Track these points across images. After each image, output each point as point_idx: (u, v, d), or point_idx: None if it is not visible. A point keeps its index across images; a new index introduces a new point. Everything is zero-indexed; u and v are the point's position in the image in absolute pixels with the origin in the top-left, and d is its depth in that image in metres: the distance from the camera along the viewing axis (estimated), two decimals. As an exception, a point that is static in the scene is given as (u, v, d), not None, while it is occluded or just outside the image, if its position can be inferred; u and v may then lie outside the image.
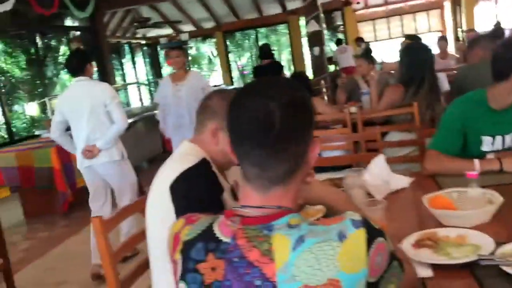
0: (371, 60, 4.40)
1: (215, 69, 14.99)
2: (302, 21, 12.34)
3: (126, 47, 13.44)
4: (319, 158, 1.91)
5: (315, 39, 8.53)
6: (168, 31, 12.75)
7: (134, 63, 13.50)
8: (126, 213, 1.63)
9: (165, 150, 7.86)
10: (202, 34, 13.61)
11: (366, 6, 13.80)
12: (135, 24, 10.31)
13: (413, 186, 1.93)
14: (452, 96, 3.04)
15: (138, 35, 12.73)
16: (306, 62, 12.31)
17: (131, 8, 11.33)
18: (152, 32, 12.23)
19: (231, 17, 12.85)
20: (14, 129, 8.71)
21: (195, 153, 1.51)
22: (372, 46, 10.91)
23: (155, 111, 7.62)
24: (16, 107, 10.06)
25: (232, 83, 13.18)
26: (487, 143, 1.99)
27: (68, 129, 3.46)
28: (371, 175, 1.77)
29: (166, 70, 15.32)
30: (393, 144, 3.06)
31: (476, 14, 11.10)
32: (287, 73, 7.90)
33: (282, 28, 14.40)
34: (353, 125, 3.39)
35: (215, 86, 9.18)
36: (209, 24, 13.09)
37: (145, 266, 1.61)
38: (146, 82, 13.72)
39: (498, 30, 7.22)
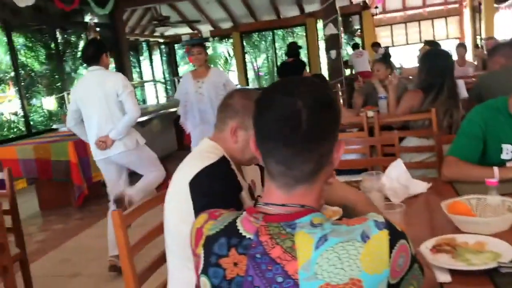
0: (390, 65, 4.39)
1: (231, 69, 15.01)
2: (319, 24, 12.32)
3: (144, 45, 13.55)
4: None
5: (332, 42, 8.48)
6: (185, 30, 12.81)
7: (151, 61, 13.59)
8: (145, 207, 1.65)
9: (179, 148, 7.92)
10: (219, 34, 13.66)
11: (384, 11, 13.75)
12: (154, 22, 10.38)
13: (431, 191, 1.93)
14: (471, 104, 3.02)
15: (156, 34, 12.82)
16: (322, 65, 12.28)
17: (150, 6, 11.43)
18: (170, 31, 12.31)
19: (249, 18, 12.88)
20: (31, 123, 8.82)
21: (215, 151, 1.53)
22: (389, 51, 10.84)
23: (171, 109, 7.69)
24: (34, 101, 10.19)
25: (247, 84, 13.20)
26: (507, 151, 1.97)
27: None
28: (389, 179, 1.77)
29: (183, 68, 15.41)
30: (410, 150, 3.05)
31: (496, 22, 10.98)
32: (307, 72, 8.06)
33: (299, 31, 14.39)
34: (369, 129, 3.39)
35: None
36: (226, 25, 13.14)
37: (161, 260, 1.63)
38: (163, 80, 13.81)
39: (518, 38, 7.13)
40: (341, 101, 6.59)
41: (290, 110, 0.88)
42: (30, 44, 10.37)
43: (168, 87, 14.01)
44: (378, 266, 0.81)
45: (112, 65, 11.21)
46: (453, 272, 1.20)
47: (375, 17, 13.09)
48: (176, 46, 14.47)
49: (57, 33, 9.86)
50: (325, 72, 11.78)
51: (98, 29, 10.00)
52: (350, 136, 3.48)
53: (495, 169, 1.83)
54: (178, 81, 12.33)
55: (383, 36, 13.97)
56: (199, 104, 4.38)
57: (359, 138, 3.06)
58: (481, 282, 1.16)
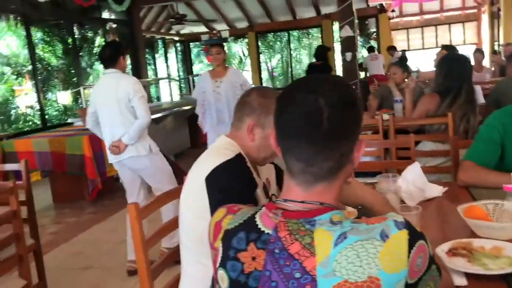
0: (406, 69, 4.37)
1: (245, 69, 15.03)
2: (335, 25, 12.29)
3: (160, 43, 13.63)
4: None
5: (348, 45, 8.45)
6: (201, 29, 12.85)
7: (166, 58, 13.67)
8: (161, 202, 1.66)
9: (192, 145, 7.96)
10: (234, 34, 13.67)
11: (401, 15, 13.67)
12: (170, 20, 10.43)
13: (446, 195, 1.92)
14: (489, 109, 3.00)
15: (172, 31, 12.88)
16: (337, 67, 12.25)
17: (167, 4, 11.49)
18: (186, 29, 12.36)
19: (265, 18, 12.88)
20: (46, 116, 8.92)
21: (231, 148, 1.54)
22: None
23: (184, 107, 7.73)
24: (49, 95, 10.31)
25: (261, 84, 13.20)
26: (526, 158, 1.96)
27: None
28: (405, 182, 1.76)
29: (197, 67, 15.47)
30: (425, 154, 3.03)
31: (514, 28, 10.84)
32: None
33: (314, 32, 14.37)
34: (384, 132, 3.38)
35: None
36: (242, 24, 13.15)
37: (176, 254, 1.64)
38: (177, 78, 13.87)
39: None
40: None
41: (312, 107, 0.88)
42: (48, 39, 10.49)
43: (182, 85, 14.06)
44: (397, 265, 0.81)
45: (127, 61, 11.28)
46: (469, 276, 1.19)
47: (391, 20, 13.02)
48: (191, 44, 14.53)
49: (75, 28, 9.95)
50: (339, 74, 11.76)
51: (114, 25, 10.07)
52: (365, 138, 3.47)
53: (513, 175, 1.82)
54: (193, 79, 12.42)
55: (399, 40, 13.89)
56: (216, 104, 4.41)
57: (374, 141, 3.05)
58: (498, 287, 1.15)
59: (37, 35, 9.87)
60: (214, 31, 11.30)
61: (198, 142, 7.92)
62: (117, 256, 3.70)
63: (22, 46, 9.75)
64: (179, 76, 14.15)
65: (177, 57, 14.32)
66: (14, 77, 10.04)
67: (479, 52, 7.39)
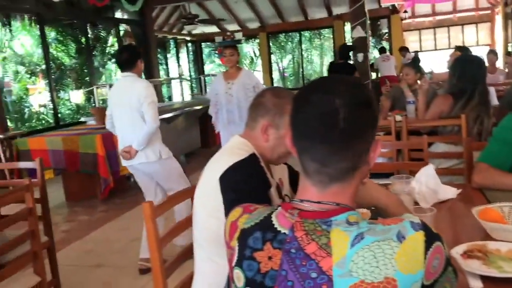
0: (419, 70, 4.35)
1: (256, 69, 15.04)
2: (347, 26, 12.25)
3: (172, 43, 13.69)
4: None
5: (360, 45, 8.44)
6: (213, 29, 12.89)
7: (178, 58, 13.72)
8: (175, 201, 1.68)
9: (203, 145, 7.98)
10: (246, 34, 13.65)
11: (413, 16, 13.59)
12: (182, 20, 10.48)
13: (460, 197, 1.91)
14: (503, 111, 2.97)
15: (184, 32, 12.93)
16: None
17: (179, 4, 11.53)
18: (198, 30, 12.41)
19: (276, 18, 12.88)
20: (59, 115, 9.00)
21: (245, 148, 1.54)
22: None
23: (195, 107, 7.76)
24: (62, 94, 10.40)
25: (272, 85, 13.19)
26: (541, 160, 1.94)
27: None
28: (418, 183, 1.76)
29: (208, 67, 15.52)
30: (438, 155, 3.02)
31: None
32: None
33: (326, 33, 14.33)
34: (396, 133, 3.37)
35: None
36: (253, 25, 13.16)
37: (189, 252, 1.66)
38: (189, 78, 13.92)
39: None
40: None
41: (327, 108, 0.89)
42: (61, 38, 10.59)
43: (193, 85, 14.11)
44: (413, 266, 0.81)
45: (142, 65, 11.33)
46: (484, 279, 1.18)
47: (403, 21, 12.95)
48: (203, 44, 14.58)
49: (88, 28, 10.03)
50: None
51: (126, 25, 10.12)
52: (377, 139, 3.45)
53: (528, 178, 1.80)
54: (204, 79, 12.46)
55: (411, 41, 13.80)
56: (227, 105, 4.46)
57: (386, 142, 3.03)
58: (514, 290, 1.14)
59: (51, 34, 9.97)
60: (228, 33, 11.33)
61: (209, 142, 7.95)
62: (129, 254, 3.73)
63: (36, 46, 9.85)
64: (190, 76, 14.20)
65: (188, 57, 14.37)
66: (28, 76, 10.15)
67: (492, 53, 7.33)
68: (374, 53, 12.84)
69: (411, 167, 2.77)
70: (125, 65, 3.32)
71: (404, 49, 10.77)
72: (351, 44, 8.04)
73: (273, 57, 14.33)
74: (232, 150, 1.55)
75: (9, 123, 7.38)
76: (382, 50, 11.50)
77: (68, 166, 5.21)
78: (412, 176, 1.87)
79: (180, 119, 7.20)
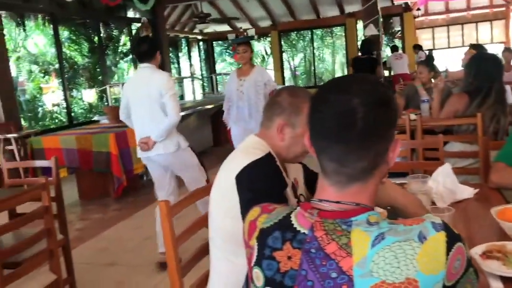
0: (433, 68, 4.32)
1: (268, 68, 15.04)
2: (359, 24, 12.19)
3: (183, 42, 13.73)
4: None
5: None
6: (224, 28, 12.90)
7: (189, 57, 13.75)
8: (191, 199, 1.68)
9: (215, 144, 8.00)
10: (257, 33, 13.61)
11: (426, 13, 13.48)
12: (194, 19, 10.51)
13: (477, 197, 1.89)
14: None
15: (195, 30, 12.96)
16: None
17: (191, 3, 11.56)
18: (209, 28, 12.44)
19: (288, 17, 12.86)
20: (72, 114, 9.07)
21: (261, 147, 1.54)
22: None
23: (207, 106, 7.78)
24: (75, 93, 10.48)
25: (283, 83, 13.19)
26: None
27: None
28: (435, 183, 1.74)
29: (220, 66, 15.53)
30: (453, 155, 2.99)
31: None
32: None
33: (338, 31, 14.27)
34: (410, 132, 3.34)
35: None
36: (265, 23, 13.16)
37: (205, 251, 1.66)
38: (200, 77, 13.95)
39: None
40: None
41: (345, 107, 0.88)
42: (74, 37, 10.67)
43: (205, 84, 14.14)
44: (435, 267, 0.81)
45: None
46: (504, 280, 1.17)
47: (416, 19, 12.85)
48: (214, 43, 14.60)
49: (101, 27, 10.10)
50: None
51: (144, 18, 10.10)
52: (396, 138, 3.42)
53: (547, 177, 1.78)
54: (216, 78, 12.49)
55: (424, 39, 13.70)
56: (238, 102, 4.48)
57: (402, 141, 3.01)
58: (535, 292, 1.13)
59: (64, 34, 10.05)
60: (241, 30, 11.31)
61: (221, 141, 7.96)
62: (142, 253, 3.75)
63: (49, 45, 9.93)
64: (202, 75, 14.23)
65: (200, 56, 14.40)
66: (42, 75, 10.25)
67: (508, 51, 7.22)
68: (386, 51, 12.76)
69: (426, 166, 2.74)
70: (144, 56, 3.29)
71: (417, 47, 10.69)
72: (371, 38, 8.06)
73: (284, 55, 14.31)
74: (247, 150, 1.55)
75: (22, 122, 7.47)
76: (394, 48, 11.43)
77: (82, 164, 5.25)
78: (427, 175, 1.85)
79: (192, 118, 7.22)
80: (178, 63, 13.51)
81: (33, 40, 10.15)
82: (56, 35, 8.15)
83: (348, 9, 12.21)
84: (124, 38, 11.29)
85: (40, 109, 10.24)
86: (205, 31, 12.41)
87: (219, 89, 12.25)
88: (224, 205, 1.49)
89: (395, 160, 0.95)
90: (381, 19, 8.82)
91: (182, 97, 12.68)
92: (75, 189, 5.63)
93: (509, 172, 1.90)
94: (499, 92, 3.00)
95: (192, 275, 1.64)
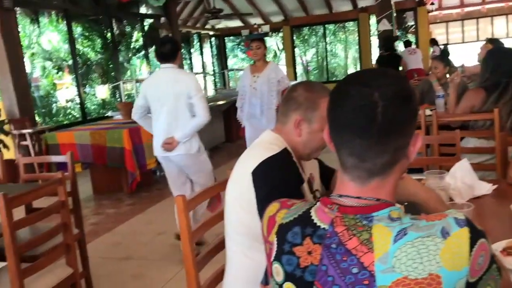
0: (448, 63, 4.27)
1: (280, 63, 15.01)
2: (372, 19, 12.10)
3: (195, 37, 13.75)
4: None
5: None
6: (236, 23, 12.89)
7: (201, 53, 13.78)
8: (207, 194, 1.68)
9: (227, 139, 8.01)
10: (269, 28, 13.67)
11: (440, 8, 13.34)
12: (206, 14, 10.51)
13: (495, 193, 1.86)
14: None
15: (207, 26, 12.97)
16: (374, 61, 12.07)
17: (203, -1, 11.58)
18: (221, 24, 12.43)
19: (300, 12, 12.81)
20: (85, 110, 9.14)
21: (277, 143, 1.54)
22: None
23: (219, 102, 7.78)
24: (88, 89, 10.55)
25: (295, 78, 13.15)
26: None
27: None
28: (453, 179, 1.72)
29: (232, 61, 15.53)
30: (470, 150, 2.95)
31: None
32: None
33: (351, 26, 14.18)
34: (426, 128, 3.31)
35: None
36: (277, 18, 13.12)
37: (220, 246, 1.66)
38: (212, 73, 13.97)
39: None
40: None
41: (366, 101, 0.86)
42: (87, 34, 10.73)
43: (217, 79, 14.16)
44: (458, 263, 0.80)
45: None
46: (525, 277, 1.15)
47: (430, 13, 12.71)
48: (226, 39, 14.59)
49: (113, 23, 10.15)
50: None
51: (163, 18, 10.11)
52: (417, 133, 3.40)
53: None
54: (228, 74, 12.49)
55: (438, 34, 13.57)
56: (251, 98, 4.46)
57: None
58: (557, 289, 1.11)
59: (77, 30, 10.11)
60: (255, 25, 11.30)
61: (232, 137, 7.97)
62: (156, 247, 3.77)
63: (63, 41, 10.00)
64: (214, 70, 14.25)
65: (212, 51, 14.41)
66: (55, 71, 10.33)
67: (524, 45, 7.13)
68: (399, 46, 12.64)
69: (441, 162, 2.72)
70: (167, 57, 3.29)
71: (433, 42, 10.58)
72: (391, 35, 8.14)
73: (296, 50, 14.26)
74: (264, 145, 1.55)
75: (37, 118, 7.53)
76: (407, 43, 11.31)
77: (96, 160, 5.29)
78: (444, 171, 1.84)
79: (205, 114, 7.21)
80: (190, 59, 13.53)
81: (47, 37, 10.23)
82: (69, 31, 8.21)
83: (361, 3, 12.13)
84: (136, 34, 11.33)
85: (54, 105, 10.34)
86: (217, 26, 12.43)
87: (231, 84, 12.25)
88: (240, 200, 1.49)
89: (415, 154, 0.94)
90: (395, 14, 8.75)
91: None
92: (89, 184, 5.68)
93: (528, 168, 1.88)
94: (517, 87, 2.95)
95: (207, 269, 1.65)
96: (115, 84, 9.76)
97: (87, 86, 10.52)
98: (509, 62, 2.96)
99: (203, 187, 3.34)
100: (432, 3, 12.11)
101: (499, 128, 2.90)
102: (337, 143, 0.92)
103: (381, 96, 0.86)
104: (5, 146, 6.12)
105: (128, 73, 11.30)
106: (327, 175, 1.78)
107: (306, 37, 15.12)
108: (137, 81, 8.32)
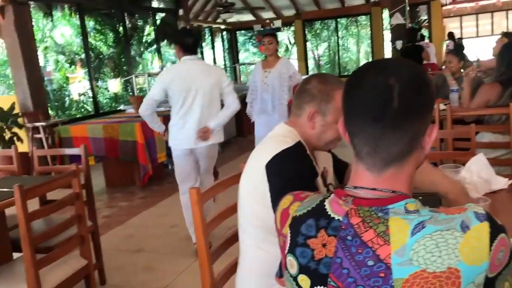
0: (462, 57, 4.22)
1: (292, 57, 14.96)
2: (385, 13, 12.00)
3: (207, 31, 13.74)
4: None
5: (398, 33, 8.27)
6: (248, 17, 12.86)
7: (213, 47, 13.77)
8: (220, 187, 1.68)
9: (238, 134, 8.01)
10: (281, 22, 13.61)
11: (454, 1, 13.17)
12: (217, 8, 10.49)
13: (511, 188, 1.84)
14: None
15: (219, 20, 12.95)
16: (386, 56, 11.98)
17: (215, -7, 11.54)
18: (233, 18, 12.40)
19: (312, 6, 12.73)
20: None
21: (291, 135, 1.53)
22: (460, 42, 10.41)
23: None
24: (100, 83, 10.62)
25: (307, 73, 13.09)
26: None
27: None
28: (469, 173, 1.70)
29: (243, 55, 15.51)
30: (485, 145, 2.92)
31: None
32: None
33: (363, 20, 14.08)
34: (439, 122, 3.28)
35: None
36: (289, 12, 13.05)
37: (234, 239, 1.67)
38: (223, 67, 13.96)
39: None
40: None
41: (382, 85, 0.86)
42: (100, 28, 10.79)
43: (228, 74, 14.15)
44: (477, 257, 0.79)
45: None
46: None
47: (443, 7, 12.56)
48: (237, 33, 14.57)
49: (125, 17, 10.19)
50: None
51: (181, 10, 10.09)
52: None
53: None
54: (239, 68, 12.46)
55: (451, 28, 13.38)
56: (262, 94, 4.44)
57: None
58: None
59: (89, 24, 10.17)
60: (267, 20, 11.27)
61: (244, 131, 7.97)
62: (168, 240, 3.80)
63: (75, 35, 10.07)
64: (225, 65, 14.24)
65: (223, 45, 14.40)
66: (68, 65, 10.41)
67: (540, 39, 7.02)
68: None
69: (455, 156, 2.70)
70: (192, 49, 3.33)
71: (450, 36, 10.48)
72: (414, 27, 8.23)
73: (308, 44, 14.20)
74: (277, 138, 1.55)
75: (49, 111, 7.60)
76: (420, 38, 11.20)
77: (108, 153, 5.33)
78: (460, 165, 1.82)
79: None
80: (202, 53, 13.54)
81: (60, 30, 10.30)
82: (82, 25, 8.25)
83: (374, -3, 12.02)
84: (148, 28, 11.36)
85: (66, 98, 10.42)
86: (229, 20, 12.40)
87: (242, 79, 12.24)
88: (254, 193, 1.49)
89: (431, 145, 0.93)
90: (408, 8, 8.66)
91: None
92: (102, 177, 5.73)
93: (545, 163, 1.85)
94: (534, 82, 2.92)
95: (220, 262, 1.65)
96: (127, 78, 9.80)
97: (99, 80, 10.58)
98: (525, 56, 2.92)
99: (208, 172, 3.57)
100: (446, -3, 11.97)
101: (515, 123, 2.87)
102: (352, 130, 0.91)
103: (398, 80, 0.85)
104: (19, 139, 6.19)
105: (140, 67, 11.35)
106: (341, 169, 1.77)
107: (318, 31, 15.04)
108: (149, 75, 8.34)
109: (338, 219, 0.88)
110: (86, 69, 8.73)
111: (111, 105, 10.61)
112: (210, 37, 13.84)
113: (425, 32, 12.54)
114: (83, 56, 9.21)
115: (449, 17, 13.51)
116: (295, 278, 0.92)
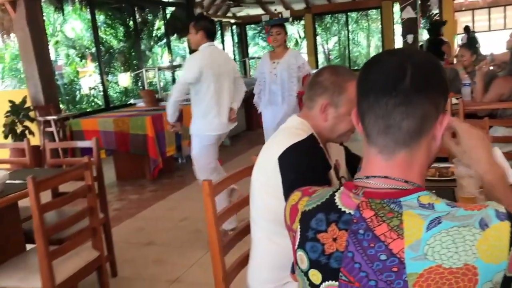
0: (475, 51, 4.18)
1: (302, 51, 14.91)
2: (395, 7, 11.90)
3: (217, 26, 13.73)
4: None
5: (410, 27, 8.17)
6: (258, 11, 12.80)
7: (222, 41, 13.75)
8: (232, 179, 1.69)
9: (248, 128, 8.01)
10: (291, 15, 13.52)
11: (467, -5, 13.04)
12: (227, 2, 10.47)
13: (526, 183, 1.82)
14: None
15: (228, 14, 12.92)
16: (397, 50, 11.91)
17: (225, -13, 11.50)
18: (242, 12, 12.36)
19: (322, -1, 12.67)
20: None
21: (303, 128, 1.53)
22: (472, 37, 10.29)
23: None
24: (110, 77, 10.66)
25: (317, 67, 13.04)
26: None
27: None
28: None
29: (252, 49, 15.47)
30: (498, 140, 2.89)
31: None
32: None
33: (374, 14, 13.98)
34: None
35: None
36: (299, 6, 12.98)
37: (246, 231, 1.67)
38: (233, 61, 13.94)
39: None
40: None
41: (396, 64, 0.88)
42: (110, 22, 10.81)
43: (237, 67, 14.14)
44: (496, 256, 0.77)
45: (185, 45, 11.46)
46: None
47: (455, 1, 12.43)
48: (247, 27, 14.53)
49: (135, 11, 10.20)
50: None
51: (171, 5, 10.13)
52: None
53: None
54: (249, 62, 12.45)
55: (463, 22, 13.25)
56: (270, 85, 4.42)
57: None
58: None
59: (100, 18, 10.19)
60: (275, 12, 11.21)
61: (253, 125, 7.96)
62: (178, 233, 3.81)
63: (86, 29, 10.11)
64: (234, 58, 14.22)
65: (233, 39, 14.38)
66: (79, 59, 10.46)
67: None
68: (423, 35, 12.42)
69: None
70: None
71: (466, 30, 10.37)
72: (439, 20, 8.34)
73: (318, 39, 14.13)
74: (290, 130, 1.54)
75: (60, 105, 7.64)
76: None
77: (119, 146, 5.36)
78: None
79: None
80: (211, 47, 13.53)
81: (71, 25, 10.34)
82: (92, 19, 8.27)
83: (385, -9, 11.92)
84: (158, 23, 11.37)
85: (77, 92, 10.48)
86: (239, 14, 12.36)
87: (251, 73, 12.22)
88: (267, 185, 1.49)
89: (442, 133, 0.91)
90: (419, 1, 8.56)
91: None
92: (113, 171, 5.76)
93: (560, 157, 1.83)
94: (548, 75, 2.88)
95: (232, 254, 1.66)
96: (137, 72, 9.82)
97: (109, 74, 10.62)
98: (540, 49, 2.88)
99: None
100: (458, -10, 11.83)
101: (529, 117, 2.84)
102: (365, 109, 0.90)
103: (412, 62, 0.88)
104: (31, 132, 6.24)
105: (150, 61, 11.37)
106: (353, 162, 1.77)
107: (328, 25, 14.96)
108: (159, 69, 8.35)
109: (349, 213, 0.87)
110: (97, 63, 8.76)
111: (121, 99, 10.65)
112: (219, 31, 13.82)
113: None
114: (93, 50, 9.24)
115: (461, 11, 13.37)
116: (306, 273, 0.91)
